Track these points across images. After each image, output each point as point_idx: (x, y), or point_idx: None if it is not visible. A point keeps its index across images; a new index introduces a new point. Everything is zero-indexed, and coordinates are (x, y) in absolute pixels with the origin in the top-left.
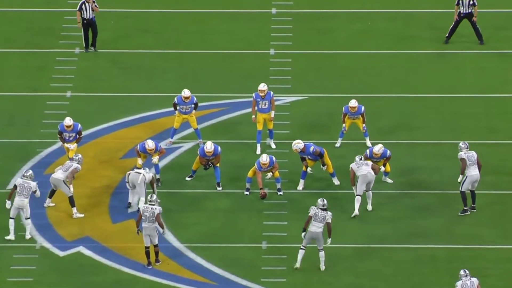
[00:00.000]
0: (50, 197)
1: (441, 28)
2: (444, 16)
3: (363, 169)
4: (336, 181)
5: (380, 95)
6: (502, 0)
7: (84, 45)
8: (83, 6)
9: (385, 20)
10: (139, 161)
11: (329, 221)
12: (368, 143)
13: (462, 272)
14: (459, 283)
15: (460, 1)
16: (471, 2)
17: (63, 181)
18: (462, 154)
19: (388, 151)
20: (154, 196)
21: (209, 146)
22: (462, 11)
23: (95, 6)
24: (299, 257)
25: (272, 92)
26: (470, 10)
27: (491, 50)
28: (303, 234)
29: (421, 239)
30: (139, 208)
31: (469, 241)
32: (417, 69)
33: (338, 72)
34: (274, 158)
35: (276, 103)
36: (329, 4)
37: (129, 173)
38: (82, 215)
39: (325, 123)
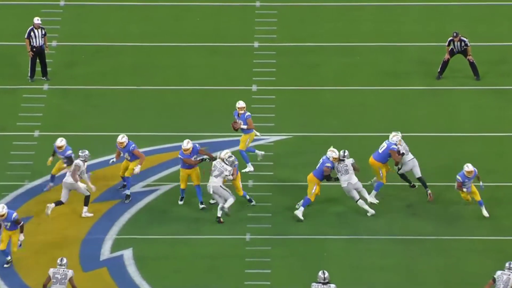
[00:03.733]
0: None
1: (433, 62)
2: (436, 49)
3: (342, 180)
4: (299, 215)
5: (368, 134)
6: (498, 33)
7: (29, 74)
8: (32, 33)
9: (373, 54)
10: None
11: None
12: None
13: (507, 264)
14: (498, 272)
15: (452, 43)
16: (463, 44)
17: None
18: (401, 148)
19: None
20: (65, 260)
21: (185, 143)
22: (454, 50)
23: (46, 46)
24: None
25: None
26: (463, 49)
27: (488, 86)
28: None
29: None
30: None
31: None
32: (408, 106)
33: (324, 109)
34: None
35: (259, 143)
36: (314, 37)
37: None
38: (91, 215)
39: (311, 163)
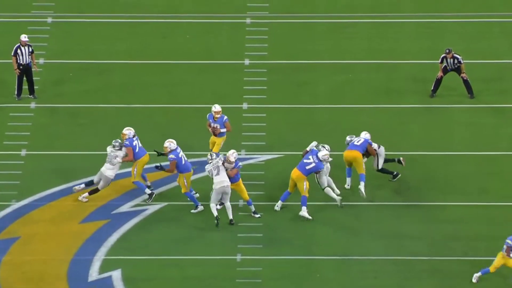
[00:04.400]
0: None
1: (427, 80)
2: (430, 67)
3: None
4: (305, 215)
5: None
6: (494, 50)
7: (16, 92)
8: (19, 50)
9: (366, 72)
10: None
11: None
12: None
13: None
14: None
15: (445, 60)
16: (456, 61)
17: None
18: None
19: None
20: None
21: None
22: (448, 67)
23: (34, 64)
24: None
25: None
26: (456, 66)
27: (483, 104)
28: None
29: None
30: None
31: None
32: (402, 124)
33: (316, 127)
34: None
35: (249, 162)
36: (306, 54)
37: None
38: (86, 200)
39: None
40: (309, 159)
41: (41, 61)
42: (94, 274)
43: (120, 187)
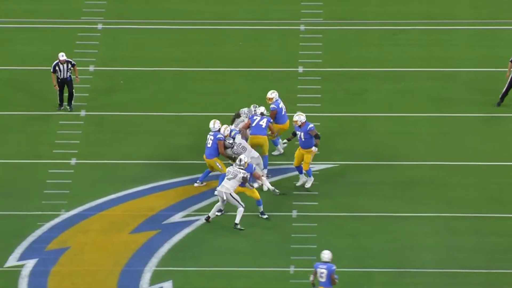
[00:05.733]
0: None
1: (484, 89)
2: (485, 75)
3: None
4: (308, 183)
5: (414, 163)
6: None
7: (58, 103)
8: (57, 67)
9: (421, 80)
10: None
11: None
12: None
13: None
14: None
15: None
16: None
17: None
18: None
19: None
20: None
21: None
22: None
23: (76, 76)
24: None
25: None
26: None
27: None
28: None
29: None
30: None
31: None
32: (456, 134)
33: (368, 137)
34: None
35: None
36: (360, 62)
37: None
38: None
39: (355, 193)
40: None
41: (91, 68)
42: (144, 285)
43: (171, 197)
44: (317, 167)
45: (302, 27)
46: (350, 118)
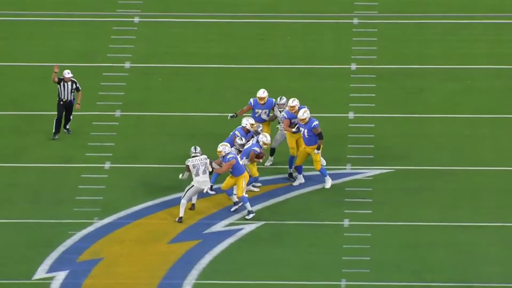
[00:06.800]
0: None
1: None
2: None
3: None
4: (327, 184)
5: (478, 168)
6: None
7: (53, 131)
8: (62, 82)
9: (487, 78)
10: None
11: None
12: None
13: None
14: None
15: None
16: None
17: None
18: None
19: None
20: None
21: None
22: None
23: (78, 103)
24: None
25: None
26: None
27: None
28: None
29: None
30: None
31: None
32: None
33: (429, 140)
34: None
35: (356, 177)
36: (419, 58)
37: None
38: (256, 190)
39: (413, 201)
40: None
41: (127, 65)
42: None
43: (213, 204)
44: (371, 172)
45: (355, 21)
46: (407, 119)
